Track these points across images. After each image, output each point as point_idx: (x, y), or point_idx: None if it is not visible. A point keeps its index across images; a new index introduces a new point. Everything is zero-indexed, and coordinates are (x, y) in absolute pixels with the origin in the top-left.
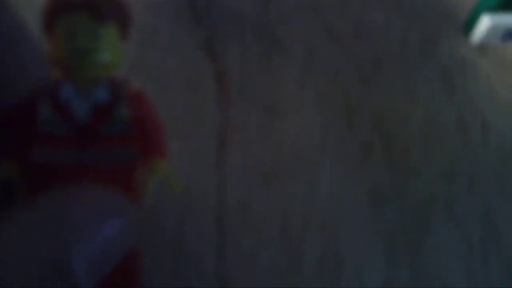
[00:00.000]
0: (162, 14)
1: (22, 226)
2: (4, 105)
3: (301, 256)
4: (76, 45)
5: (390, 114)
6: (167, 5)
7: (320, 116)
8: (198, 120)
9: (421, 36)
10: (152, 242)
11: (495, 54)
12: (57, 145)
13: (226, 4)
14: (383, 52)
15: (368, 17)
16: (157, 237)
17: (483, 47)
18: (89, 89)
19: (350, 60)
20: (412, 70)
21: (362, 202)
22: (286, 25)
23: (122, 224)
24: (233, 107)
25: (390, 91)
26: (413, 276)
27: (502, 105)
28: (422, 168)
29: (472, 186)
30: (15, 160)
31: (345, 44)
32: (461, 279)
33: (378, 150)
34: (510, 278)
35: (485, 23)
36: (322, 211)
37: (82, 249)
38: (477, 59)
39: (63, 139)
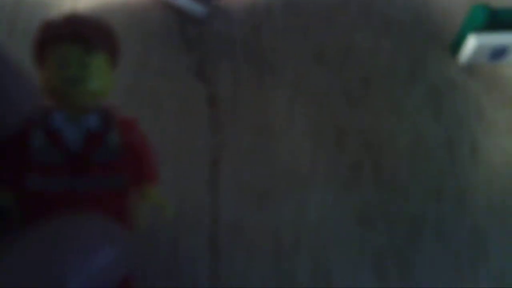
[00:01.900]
0: (154, 41)
1: (18, 257)
2: None
3: (292, 276)
4: (67, 74)
5: (378, 135)
6: (159, 31)
7: (310, 137)
8: (191, 143)
9: (409, 57)
10: (146, 264)
11: (482, 74)
12: (49, 172)
13: (217, 29)
14: (371, 74)
15: (357, 39)
16: (151, 259)
17: (470, 67)
18: (80, 117)
19: (338, 82)
20: (400, 90)
21: (352, 222)
22: (276, 48)
23: (116, 252)
24: (225, 129)
25: (378, 111)
26: None
27: (490, 124)
28: (411, 187)
29: (460, 205)
30: (9, 188)
31: (333, 66)
32: None
33: (367, 170)
34: None
35: (471, 43)
36: (313, 231)
37: (78, 278)
38: (465, 78)
39: (56, 167)
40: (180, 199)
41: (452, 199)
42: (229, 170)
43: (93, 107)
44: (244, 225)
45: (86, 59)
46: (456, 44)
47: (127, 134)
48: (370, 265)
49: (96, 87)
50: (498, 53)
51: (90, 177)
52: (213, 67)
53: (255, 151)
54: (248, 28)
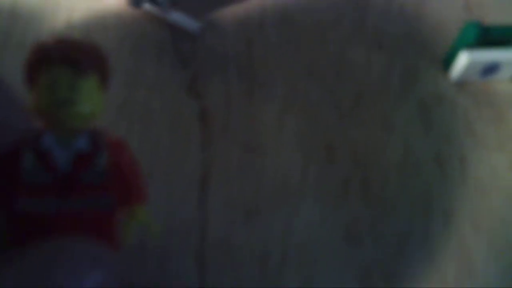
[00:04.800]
0: (148, 56)
1: (7, 282)
2: None
3: None
4: (57, 97)
5: (368, 150)
6: (152, 46)
7: (300, 153)
8: (181, 159)
9: (400, 72)
10: (134, 279)
11: (472, 89)
12: (39, 193)
13: (210, 45)
14: (363, 88)
15: (349, 55)
16: (139, 274)
17: (461, 83)
18: (69, 139)
19: (329, 97)
20: (391, 105)
21: (340, 238)
22: (268, 63)
23: (104, 275)
24: (215, 145)
25: (368, 126)
26: None
27: (479, 139)
28: (399, 203)
29: (447, 221)
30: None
31: (325, 81)
32: None
33: (356, 186)
34: None
35: (463, 60)
36: (300, 247)
37: None
38: (455, 94)
39: (45, 188)
40: (169, 214)
41: (439, 215)
42: (218, 186)
43: (83, 129)
44: (232, 241)
45: (76, 82)
46: (448, 60)
47: (116, 156)
48: (357, 281)
49: (86, 109)
50: (489, 69)
51: (78, 198)
52: (205, 82)
53: (245, 167)
54: (241, 44)
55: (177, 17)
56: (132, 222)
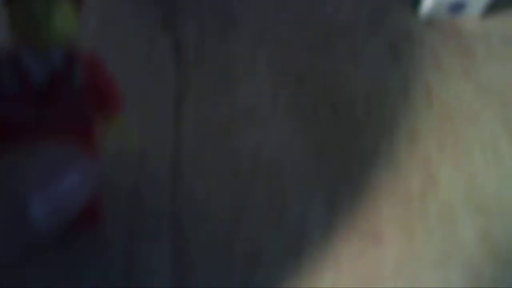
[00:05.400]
0: None
1: None
2: None
3: (248, 203)
4: (32, 22)
5: (337, 80)
6: None
7: (271, 81)
8: (156, 86)
9: (370, 9)
10: (110, 190)
11: (441, 26)
12: (17, 102)
13: None
14: (333, 24)
15: None
16: (114, 187)
17: (430, 20)
18: (46, 57)
19: (301, 33)
20: (360, 40)
21: (309, 154)
22: (242, 1)
23: (80, 176)
24: (190, 73)
25: (338, 60)
26: (353, 225)
27: (446, 71)
28: (366, 124)
29: (412, 141)
30: None
31: (297, 18)
32: (398, 230)
33: (325, 110)
34: (446, 224)
35: None
36: (270, 163)
37: (41, 199)
38: (423, 30)
39: (23, 99)
40: (145, 135)
41: (405, 135)
42: (192, 109)
43: (59, 47)
44: (205, 156)
45: (51, 6)
46: None
47: (91, 70)
48: (324, 194)
49: (61, 31)
50: (456, 6)
51: (55, 112)
52: (180, 19)
53: (218, 92)
54: None
55: None
56: (110, 129)
